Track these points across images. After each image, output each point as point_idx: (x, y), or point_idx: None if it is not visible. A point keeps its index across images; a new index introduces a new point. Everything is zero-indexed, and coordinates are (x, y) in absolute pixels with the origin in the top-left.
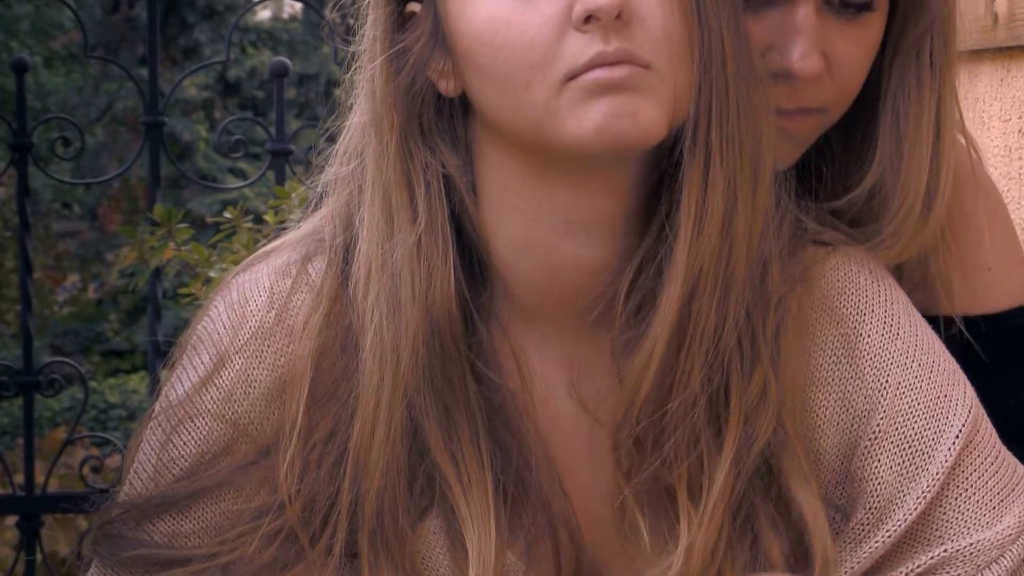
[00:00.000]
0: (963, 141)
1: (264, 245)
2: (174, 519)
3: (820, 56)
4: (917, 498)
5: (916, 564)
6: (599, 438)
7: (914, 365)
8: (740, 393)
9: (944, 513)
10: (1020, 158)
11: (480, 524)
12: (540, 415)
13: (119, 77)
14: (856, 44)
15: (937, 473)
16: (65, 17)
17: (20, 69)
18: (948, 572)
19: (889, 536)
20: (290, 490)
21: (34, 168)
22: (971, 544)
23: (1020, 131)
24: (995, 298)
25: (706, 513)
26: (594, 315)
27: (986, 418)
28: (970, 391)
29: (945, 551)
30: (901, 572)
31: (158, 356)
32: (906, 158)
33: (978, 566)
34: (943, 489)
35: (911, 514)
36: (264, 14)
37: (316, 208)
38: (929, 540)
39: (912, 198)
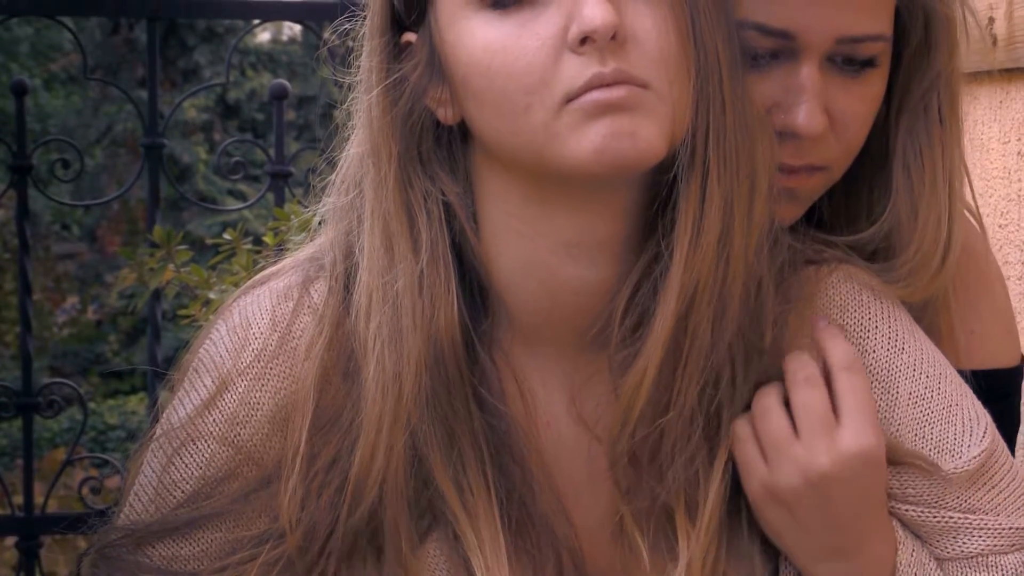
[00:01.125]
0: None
1: (263, 267)
2: (174, 543)
3: (824, 114)
4: (955, 468)
5: (946, 515)
6: (600, 459)
7: (923, 377)
8: (734, 412)
9: (979, 502)
10: (1019, 180)
11: (492, 552)
12: (543, 439)
13: (119, 99)
14: (860, 100)
15: (972, 458)
16: (65, 39)
17: (20, 91)
18: (981, 539)
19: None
20: (292, 518)
21: (34, 190)
22: (1007, 522)
23: (1019, 153)
24: (972, 360)
25: (703, 529)
26: (592, 333)
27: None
28: (978, 403)
29: (978, 519)
30: (930, 511)
31: (157, 377)
32: (923, 214)
33: (1013, 544)
34: (972, 484)
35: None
36: (264, 36)
37: (314, 236)
38: (965, 511)
39: (930, 245)
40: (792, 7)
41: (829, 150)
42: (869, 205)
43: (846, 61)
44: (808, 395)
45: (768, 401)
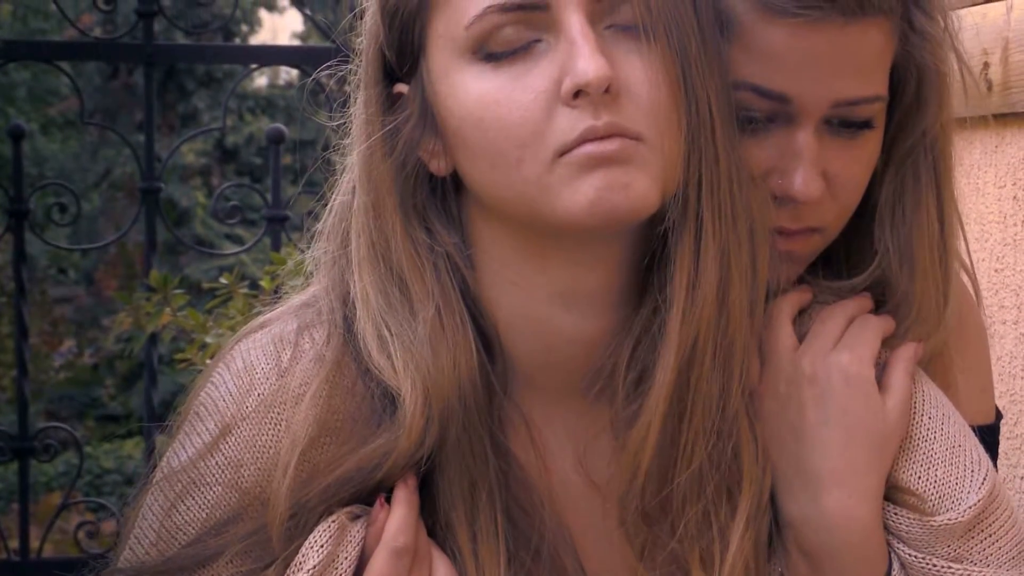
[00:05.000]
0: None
1: (260, 311)
2: None
3: (821, 179)
4: (949, 520)
5: (934, 562)
6: (606, 511)
7: (925, 418)
8: (751, 461)
9: (969, 552)
10: (1015, 224)
11: None
12: (552, 486)
13: (117, 143)
14: (856, 162)
15: (969, 507)
16: (63, 84)
17: (17, 135)
18: None
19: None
20: (286, 551)
21: (30, 234)
22: (993, 574)
23: (1015, 197)
24: None
25: None
26: (596, 389)
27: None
28: (980, 447)
29: (963, 569)
30: (916, 555)
31: (154, 421)
32: (919, 269)
33: None
34: (967, 534)
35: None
36: (261, 81)
37: (309, 281)
38: (952, 559)
39: (928, 301)
40: (789, 71)
41: (826, 212)
42: (871, 253)
43: (842, 123)
44: (826, 318)
45: (779, 308)
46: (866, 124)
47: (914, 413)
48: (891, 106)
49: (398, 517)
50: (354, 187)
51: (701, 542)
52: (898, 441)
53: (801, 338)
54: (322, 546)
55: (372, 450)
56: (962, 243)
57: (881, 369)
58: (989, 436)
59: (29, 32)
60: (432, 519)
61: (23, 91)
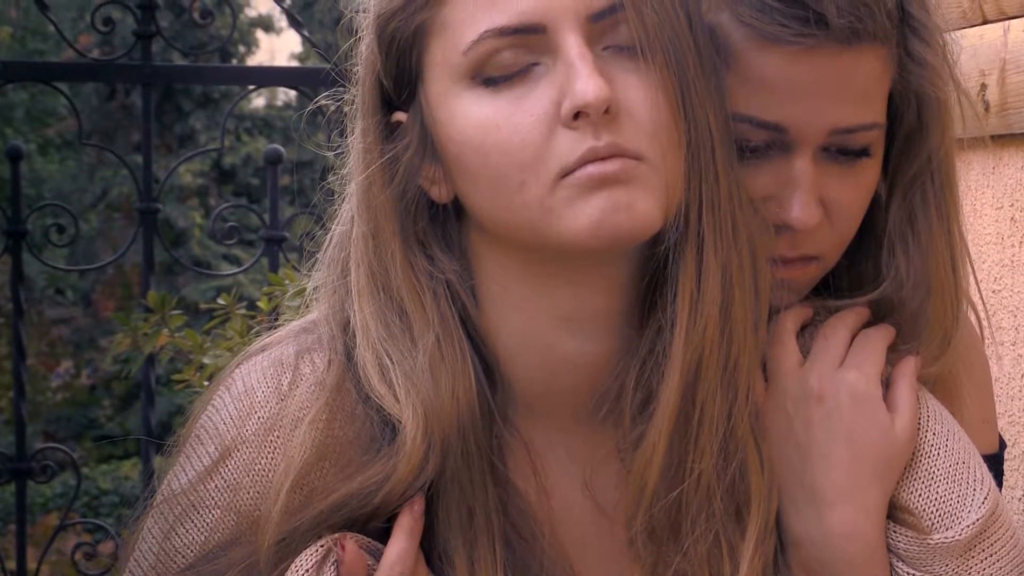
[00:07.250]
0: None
1: (258, 332)
2: None
3: (819, 207)
4: (946, 538)
5: None
6: (614, 534)
7: (929, 434)
8: (758, 480)
9: (968, 571)
10: (1013, 245)
11: None
12: (553, 513)
13: (114, 164)
14: (854, 189)
15: (968, 526)
16: (60, 105)
17: (15, 156)
18: None
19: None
20: (269, 543)
21: (28, 255)
22: None
23: (1012, 219)
24: None
25: None
26: (603, 412)
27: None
28: (984, 465)
29: None
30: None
31: (151, 442)
32: (935, 291)
33: None
34: (966, 552)
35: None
36: (259, 102)
37: (309, 304)
38: None
39: (935, 323)
40: (784, 100)
41: (823, 240)
42: (875, 277)
43: (840, 151)
44: (829, 334)
45: (783, 325)
46: (864, 152)
47: (918, 428)
48: (891, 133)
49: (398, 547)
50: (352, 217)
51: (711, 563)
52: (905, 460)
53: (803, 354)
54: (306, 571)
55: (368, 477)
56: (969, 269)
57: (885, 386)
58: (992, 465)
59: (27, 53)
60: (430, 547)
61: (21, 112)
